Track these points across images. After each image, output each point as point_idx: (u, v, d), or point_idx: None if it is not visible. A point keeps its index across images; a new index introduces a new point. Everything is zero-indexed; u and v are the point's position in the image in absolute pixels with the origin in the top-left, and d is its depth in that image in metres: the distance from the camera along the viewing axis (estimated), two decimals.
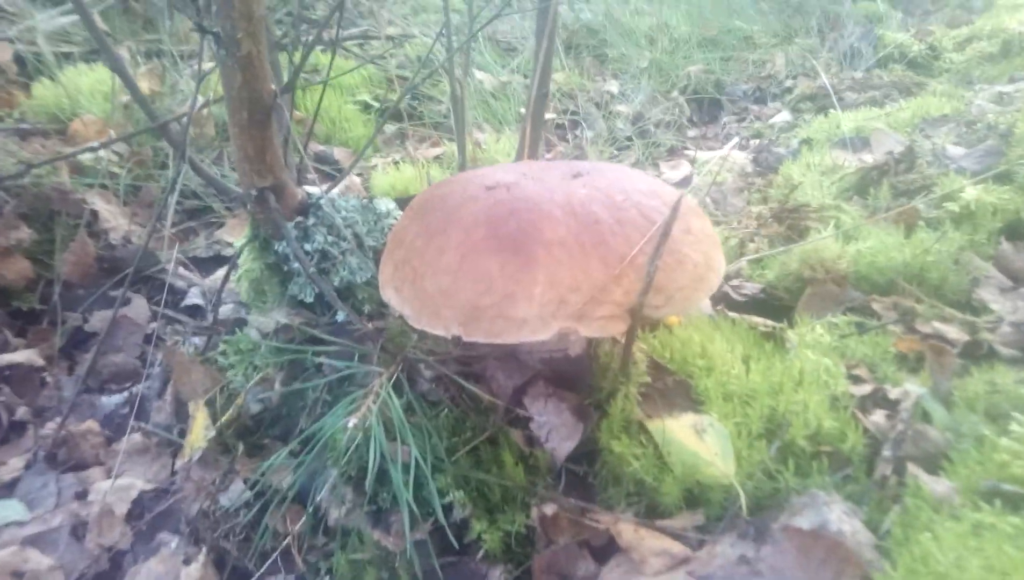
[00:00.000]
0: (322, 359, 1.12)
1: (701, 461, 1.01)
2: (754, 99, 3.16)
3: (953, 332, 1.40)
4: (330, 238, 1.25)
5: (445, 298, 0.97)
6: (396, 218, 1.33)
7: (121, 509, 1.16)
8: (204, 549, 1.06)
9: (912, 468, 1.05)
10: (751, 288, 1.59)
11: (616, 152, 2.59)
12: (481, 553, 1.02)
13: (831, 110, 2.62)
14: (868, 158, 2.15)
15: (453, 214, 1.04)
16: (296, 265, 1.25)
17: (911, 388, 1.17)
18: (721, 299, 1.58)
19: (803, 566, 0.92)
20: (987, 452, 1.00)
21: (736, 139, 2.73)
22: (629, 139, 2.65)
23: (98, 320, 1.50)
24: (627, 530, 1.01)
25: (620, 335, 1.00)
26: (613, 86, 3.03)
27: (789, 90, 3.14)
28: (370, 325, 1.11)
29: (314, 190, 1.30)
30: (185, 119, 1.37)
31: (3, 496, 1.20)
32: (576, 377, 1.14)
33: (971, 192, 1.68)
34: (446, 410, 1.10)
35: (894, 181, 1.90)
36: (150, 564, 1.08)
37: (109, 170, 1.69)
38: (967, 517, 0.91)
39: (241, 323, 1.44)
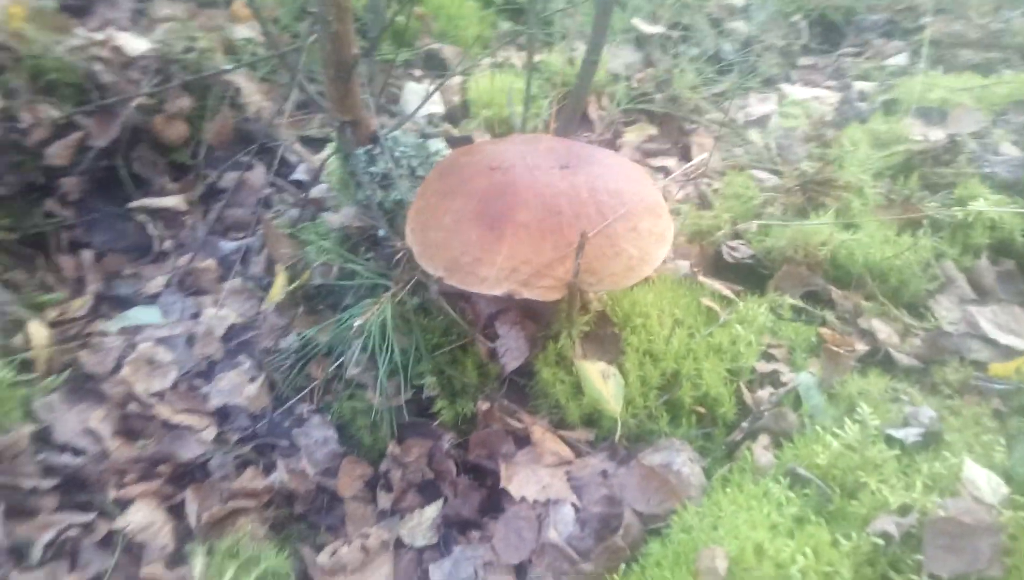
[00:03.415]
0: (358, 266, 1.54)
1: (601, 397, 1.38)
2: (882, 32, 3.13)
3: (884, 333, 1.65)
4: (391, 165, 1.63)
5: (438, 249, 1.36)
6: (443, 156, 1.69)
7: (219, 332, 1.67)
8: (263, 375, 1.57)
9: (762, 439, 1.39)
10: (744, 252, 1.86)
11: (716, 76, 2.75)
12: (439, 422, 1.47)
13: (930, 71, 2.65)
14: (936, 135, 2.25)
15: (461, 185, 1.40)
16: (363, 178, 1.65)
17: (801, 376, 1.47)
18: (713, 257, 1.86)
19: (642, 488, 1.31)
20: (810, 441, 1.32)
21: (831, 83, 2.81)
22: (730, 65, 2.79)
23: (228, 179, 1.98)
24: (538, 431, 1.42)
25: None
26: None
27: (921, 28, 3.09)
28: (399, 244, 1.51)
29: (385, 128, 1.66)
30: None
31: (148, 304, 1.75)
32: (541, 314, 1.52)
33: (981, 203, 1.83)
34: (440, 318, 1.51)
35: (928, 172, 2.04)
36: (230, 374, 1.59)
37: (255, 51, 2.10)
38: (762, 484, 1.26)
39: (329, 203, 1.88)
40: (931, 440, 1.28)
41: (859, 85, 2.78)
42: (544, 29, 2.62)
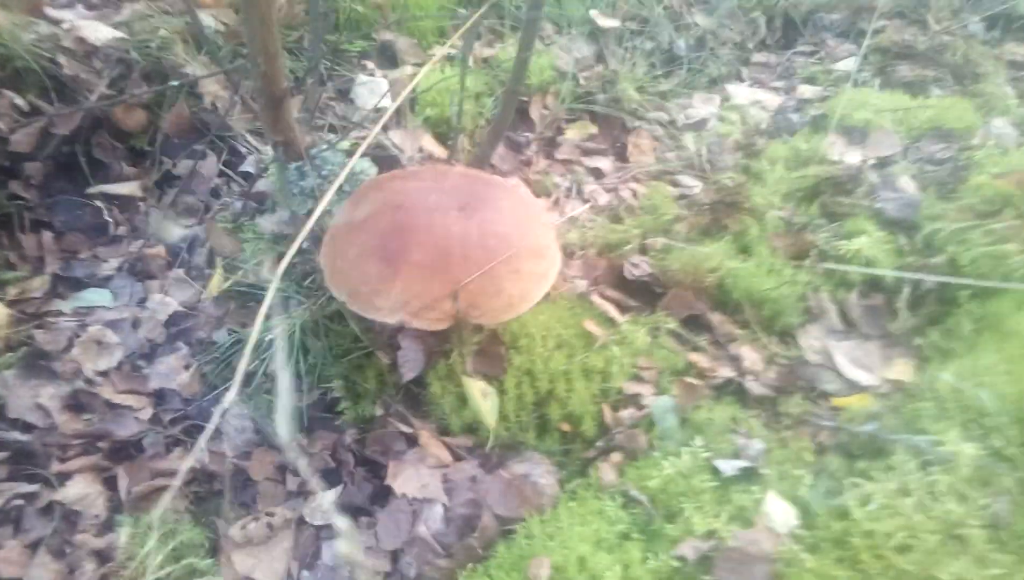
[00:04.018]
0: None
1: (480, 411, 1.60)
2: (838, 32, 3.22)
3: (750, 360, 1.86)
4: (318, 180, 1.81)
5: (342, 277, 1.55)
6: (368, 175, 1.86)
7: (162, 317, 1.88)
8: (196, 363, 1.79)
9: (614, 457, 1.61)
10: (643, 270, 2.04)
11: (665, 74, 2.87)
12: (342, 420, 1.69)
13: (864, 86, 2.77)
14: (853, 157, 2.40)
15: (366, 221, 1.58)
16: (296, 187, 1.83)
17: (660, 400, 1.68)
18: (613, 272, 2.04)
19: (503, 494, 1.54)
20: (650, 464, 1.55)
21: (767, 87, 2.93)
22: (681, 62, 2.90)
23: (183, 167, 2.14)
24: (425, 435, 1.65)
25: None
26: None
27: (878, 31, 3.17)
28: (317, 259, 1.70)
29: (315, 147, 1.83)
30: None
31: (101, 286, 1.95)
32: (438, 332, 1.72)
33: (863, 239, 2.01)
34: (350, 326, 1.72)
35: (829, 200, 2.20)
36: (169, 359, 1.81)
37: (216, 42, 2.24)
38: (597, 501, 1.49)
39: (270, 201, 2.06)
40: (748, 474, 1.51)
41: (804, 89, 2.91)
42: (495, 19, 2.72)
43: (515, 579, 1.37)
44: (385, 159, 1.95)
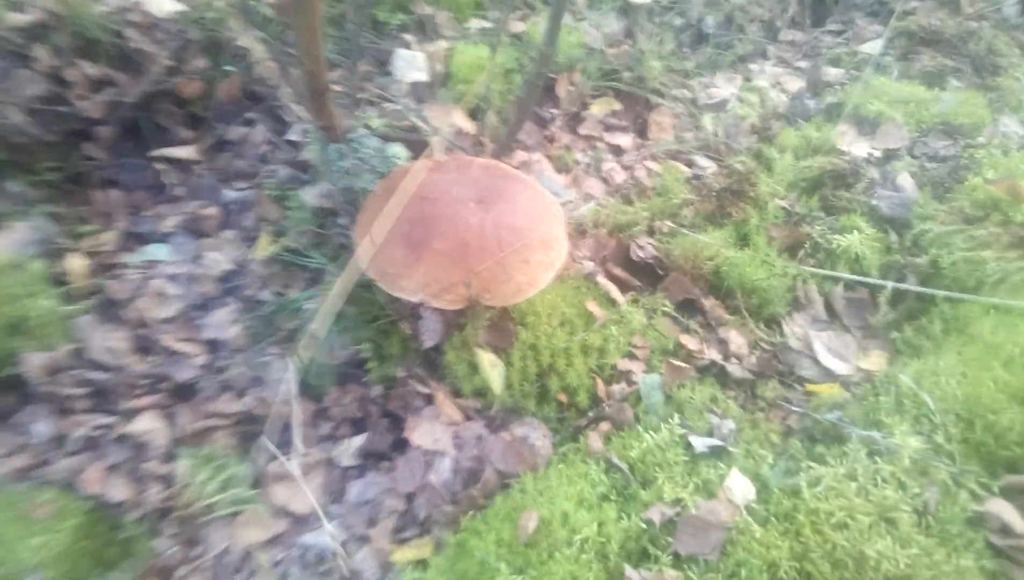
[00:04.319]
0: (312, 255, 1.96)
1: (489, 378, 1.84)
2: (869, 11, 3.28)
3: (736, 344, 2.05)
4: (355, 161, 2.01)
5: (372, 257, 1.77)
6: (400, 159, 2.05)
7: (214, 273, 2.13)
8: (243, 320, 2.03)
9: (602, 427, 1.84)
10: (648, 252, 2.23)
11: (691, 51, 2.99)
12: (369, 377, 1.94)
13: (885, 74, 2.86)
14: (860, 149, 2.53)
15: (396, 207, 1.79)
16: (336, 165, 2.03)
17: (648, 377, 1.90)
18: (621, 252, 2.23)
19: (503, 450, 1.79)
20: (633, 436, 1.77)
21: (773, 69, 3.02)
22: (709, 39, 3.01)
23: (235, 134, 2.35)
24: (440, 396, 1.89)
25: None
26: None
27: (908, 13, 3.22)
28: (352, 235, 1.91)
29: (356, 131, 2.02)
30: None
31: (162, 242, 2.19)
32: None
33: (855, 235, 2.17)
34: (378, 297, 1.95)
35: (829, 193, 2.34)
36: (220, 312, 2.06)
37: (266, 15, 2.42)
38: (584, 465, 1.72)
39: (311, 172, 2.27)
40: (717, 451, 1.73)
41: (826, 71, 3.00)
42: None
43: (507, 527, 1.62)
44: (416, 143, 2.13)
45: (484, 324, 1.90)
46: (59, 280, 2.00)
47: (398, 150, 2.06)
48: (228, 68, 2.32)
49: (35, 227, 2.05)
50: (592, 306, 1.99)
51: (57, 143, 2.16)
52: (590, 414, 1.86)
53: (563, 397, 1.87)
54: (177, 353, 1.97)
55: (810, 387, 1.95)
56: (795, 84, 2.94)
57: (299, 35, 1.71)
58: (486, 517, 1.68)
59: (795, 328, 2.10)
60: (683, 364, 1.91)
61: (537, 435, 1.80)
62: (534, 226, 1.81)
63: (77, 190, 2.20)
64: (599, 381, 1.89)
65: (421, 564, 1.65)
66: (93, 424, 1.80)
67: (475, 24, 2.74)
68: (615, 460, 1.72)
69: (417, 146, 2.13)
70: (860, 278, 2.10)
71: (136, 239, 2.19)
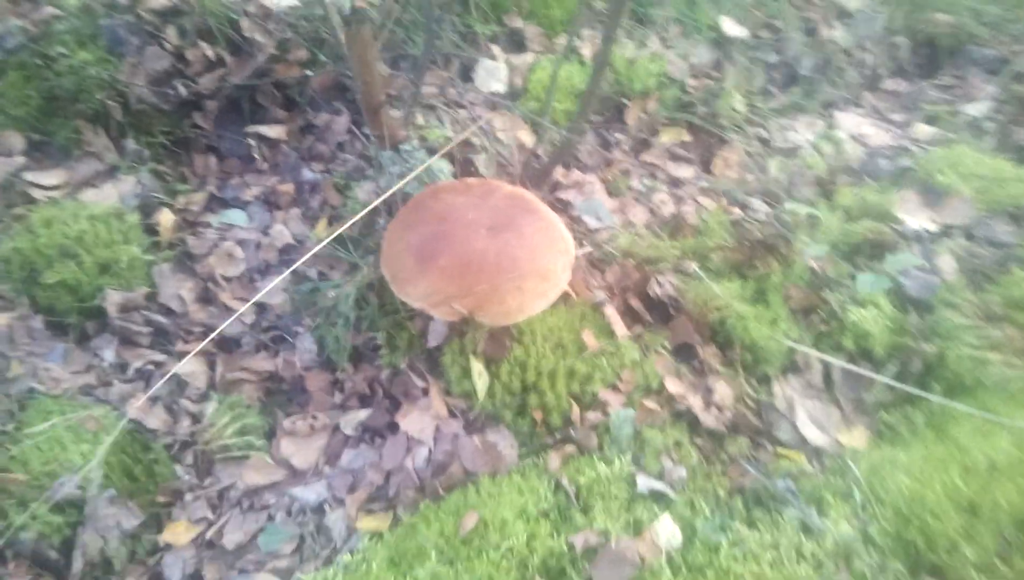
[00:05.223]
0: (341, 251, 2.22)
1: (476, 385, 2.05)
2: (987, 68, 3.13)
3: (720, 394, 2.14)
4: (405, 169, 2.25)
5: (389, 262, 2.01)
6: (444, 174, 2.27)
7: (278, 245, 2.44)
8: (291, 290, 2.34)
9: (567, 448, 2.01)
10: (666, 290, 2.33)
11: (779, 90, 2.99)
12: (380, 361, 2.20)
13: (977, 142, 2.75)
14: (916, 220, 2.49)
15: (416, 224, 2.01)
16: (388, 169, 2.28)
17: (623, 411, 2.04)
18: (643, 285, 2.34)
19: (473, 451, 2.00)
20: (588, 463, 1.94)
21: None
22: (801, 79, 3.00)
23: (321, 120, 2.64)
24: (434, 391, 2.12)
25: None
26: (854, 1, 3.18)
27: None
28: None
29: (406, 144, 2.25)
30: None
31: (241, 208, 2.53)
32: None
33: (868, 313, 2.18)
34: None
35: (864, 261, 2.34)
36: (274, 280, 2.38)
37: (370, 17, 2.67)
38: (537, 480, 1.91)
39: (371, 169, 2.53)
40: (657, 494, 1.87)
41: (920, 129, 2.93)
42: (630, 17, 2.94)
43: (453, 521, 1.84)
44: (464, 159, 2.34)
45: (484, 335, 2.10)
46: (151, 230, 2.37)
47: (443, 165, 2.27)
48: (324, 61, 2.59)
49: (141, 182, 2.42)
50: (587, 335, 2.15)
51: (171, 111, 2.52)
52: (558, 435, 2.03)
53: (538, 414, 2.06)
54: (231, 309, 2.30)
55: (780, 451, 2.03)
56: (879, 138, 2.89)
57: (355, 64, 1.96)
58: (440, 507, 1.91)
59: (786, 389, 2.17)
60: (656, 407, 2.05)
61: (505, 444, 2.00)
62: (533, 258, 1.98)
63: (182, 153, 2.57)
64: (576, 406, 2.06)
65: (378, 535, 1.91)
66: (149, 359, 2.16)
67: (564, 41, 2.87)
68: (564, 482, 1.90)
69: (465, 161, 2.34)
70: (844, 365, 2.12)
71: (220, 203, 2.53)
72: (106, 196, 2.36)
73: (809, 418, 2.10)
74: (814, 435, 2.07)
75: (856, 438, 2.08)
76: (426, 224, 2.01)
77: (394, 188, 2.02)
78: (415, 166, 2.23)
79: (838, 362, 2.14)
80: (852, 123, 2.94)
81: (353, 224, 2.32)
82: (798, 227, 2.46)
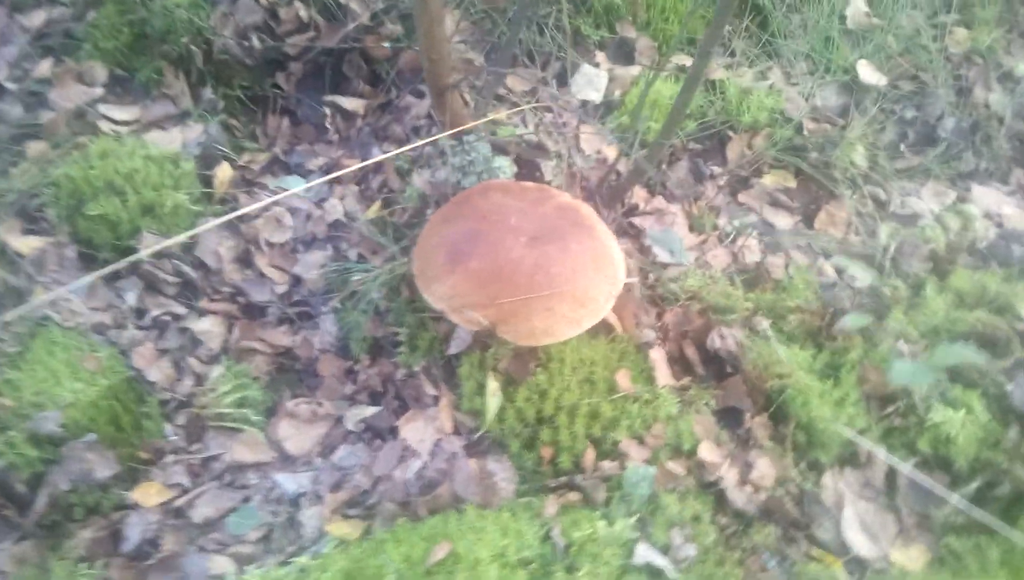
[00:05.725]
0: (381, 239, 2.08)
1: (486, 406, 1.87)
2: None
3: (759, 473, 1.86)
4: (465, 161, 2.10)
5: (419, 254, 1.86)
6: (502, 173, 2.10)
7: (328, 220, 2.34)
8: (328, 267, 2.22)
9: (570, 496, 1.79)
10: (726, 346, 2.05)
11: (911, 151, 2.66)
12: (397, 358, 2.05)
13: None
14: None
15: (456, 220, 1.85)
16: (449, 160, 2.14)
17: (643, 468, 1.80)
18: (702, 334, 2.08)
19: (467, 476, 1.81)
20: (588, 517, 1.71)
21: None
22: (938, 143, 2.65)
23: (403, 100, 2.53)
24: (443, 402, 1.95)
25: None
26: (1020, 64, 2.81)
27: None
28: None
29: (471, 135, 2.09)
30: None
31: (302, 176, 2.44)
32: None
33: (954, 415, 1.85)
34: None
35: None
36: (316, 254, 2.27)
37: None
38: (527, 523, 1.70)
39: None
40: (653, 570, 1.63)
41: None
42: (754, 43, 2.69)
43: (422, 547, 1.66)
44: (528, 163, 2.16)
45: (508, 353, 1.92)
46: (206, 181, 2.32)
47: (504, 163, 2.11)
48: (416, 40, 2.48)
49: (208, 132, 2.38)
50: (622, 376, 1.92)
51: (253, 67, 2.47)
52: (563, 479, 1.82)
53: (548, 452, 1.85)
54: (265, 276, 2.21)
55: (814, 552, 1.75)
56: (1020, 221, 2.52)
57: (422, 38, 1.83)
58: (416, 529, 1.73)
59: (838, 483, 1.88)
60: (681, 471, 1.80)
61: (504, 476, 1.81)
62: (573, 278, 1.78)
63: (257, 111, 2.51)
64: (591, 451, 1.84)
65: (344, 544, 1.75)
66: (169, 310, 2.09)
67: (676, 60, 2.65)
68: (555, 532, 1.69)
69: (531, 164, 2.16)
70: (913, 471, 1.81)
71: (282, 167, 2.46)
72: (171, 140, 2.33)
73: (859, 522, 1.80)
74: (860, 543, 1.77)
75: (912, 558, 1.76)
76: (466, 221, 1.84)
77: (447, 179, 1.86)
78: (476, 159, 2.08)
79: (906, 466, 1.83)
80: (992, 199, 2.57)
81: (403, 211, 2.20)
82: (897, 303, 2.14)
